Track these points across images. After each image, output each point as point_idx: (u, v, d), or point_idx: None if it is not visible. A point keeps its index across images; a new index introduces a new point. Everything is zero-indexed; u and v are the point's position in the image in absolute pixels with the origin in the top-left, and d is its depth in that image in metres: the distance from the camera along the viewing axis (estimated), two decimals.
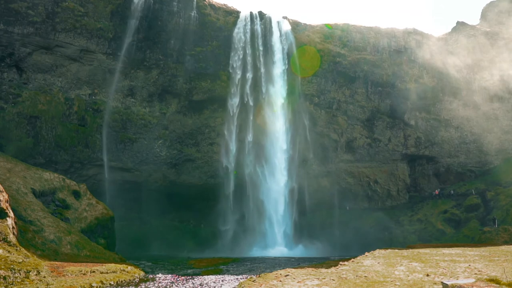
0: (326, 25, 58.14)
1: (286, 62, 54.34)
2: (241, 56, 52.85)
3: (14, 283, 18.17)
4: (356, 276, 18.98)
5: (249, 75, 52.97)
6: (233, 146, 52.53)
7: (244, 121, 53.30)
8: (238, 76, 52.62)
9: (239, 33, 53.11)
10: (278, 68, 53.89)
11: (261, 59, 53.56)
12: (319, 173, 57.27)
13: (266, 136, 53.42)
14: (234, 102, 52.66)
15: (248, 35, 53.25)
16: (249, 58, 53.01)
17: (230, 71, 52.60)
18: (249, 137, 53.03)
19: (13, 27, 43.68)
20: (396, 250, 30.56)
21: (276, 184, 52.58)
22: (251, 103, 53.15)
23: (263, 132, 53.47)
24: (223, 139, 53.18)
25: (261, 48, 53.71)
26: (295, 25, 56.47)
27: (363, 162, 58.77)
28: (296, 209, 53.68)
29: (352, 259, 25.46)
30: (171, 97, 51.90)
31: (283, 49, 54.43)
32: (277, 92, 53.72)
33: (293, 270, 22.34)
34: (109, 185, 48.90)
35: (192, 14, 51.23)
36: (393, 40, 58.49)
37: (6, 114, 43.37)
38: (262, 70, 53.48)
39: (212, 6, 53.27)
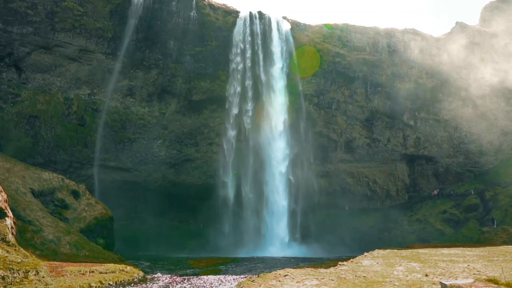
0: (326, 25, 58.13)
1: (286, 62, 54.34)
2: (240, 56, 52.84)
3: (13, 283, 18.16)
4: (355, 276, 18.99)
5: (249, 75, 52.93)
6: (230, 151, 52.57)
7: (244, 122, 53.25)
8: (238, 77, 52.60)
9: (239, 33, 53.08)
10: (278, 68, 53.87)
11: (261, 59, 53.54)
12: (318, 173, 57.28)
13: (266, 136, 53.38)
14: (233, 101, 52.62)
15: (247, 35, 53.21)
16: (248, 58, 52.99)
17: (230, 71, 52.56)
18: (249, 138, 53.07)
19: (12, 27, 43.64)
20: (395, 250, 30.58)
21: (275, 184, 52.53)
22: (250, 102, 53.10)
23: (262, 132, 53.43)
24: (222, 139, 53.16)
25: (260, 48, 53.68)
26: (294, 25, 56.47)
27: (362, 162, 58.80)
28: (295, 209, 53.67)
29: (351, 259, 25.47)
30: (170, 97, 51.87)
31: (282, 49, 54.42)
32: (277, 92, 53.70)
33: (292, 270, 22.34)
34: (108, 184, 48.90)
35: (192, 14, 51.20)
36: (392, 40, 58.53)
37: (5, 114, 43.33)
38: (262, 70, 53.47)
39: (211, 6, 53.24)
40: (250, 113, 53.05)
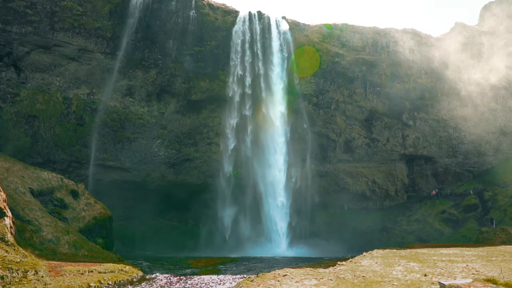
0: (325, 25, 58.08)
1: (285, 62, 54.34)
2: (239, 56, 52.84)
3: (12, 282, 18.15)
4: (354, 276, 19.00)
5: (248, 75, 52.96)
6: (231, 147, 52.55)
7: (243, 122, 53.27)
8: (237, 77, 52.61)
9: (238, 33, 53.09)
10: (277, 68, 53.88)
11: (260, 59, 53.56)
12: (318, 173, 57.32)
13: (265, 136, 53.40)
14: (233, 102, 52.68)
15: (247, 35, 53.23)
16: (247, 58, 53.01)
17: (229, 71, 52.54)
18: (248, 139, 53.14)
19: (11, 26, 43.58)
20: (394, 250, 30.59)
21: (275, 184, 52.56)
22: (249, 102, 53.10)
23: (261, 132, 53.45)
24: (221, 139, 53.20)
25: (259, 48, 53.69)
26: (293, 25, 56.46)
27: (362, 162, 58.84)
28: (294, 209, 53.71)
29: (350, 259, 25.45)
30: (169, 97, 51.86)
31: (281, 49, 54.42)
32: (276, 92, 53.73)
33: (291, 270, 22.34)
34: (108, 184, 49.03)
35: (191, 13, 51.17)
36: (392, 40, 58.53)
37: (4, 113, 43.29)
38: (261, 70, 53.48)
39: (210, 5, 53.21)
40: (249, 144, 52.63)
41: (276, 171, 52.79)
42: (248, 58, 52.93)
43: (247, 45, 53.00)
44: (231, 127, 52.59)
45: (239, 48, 52.77)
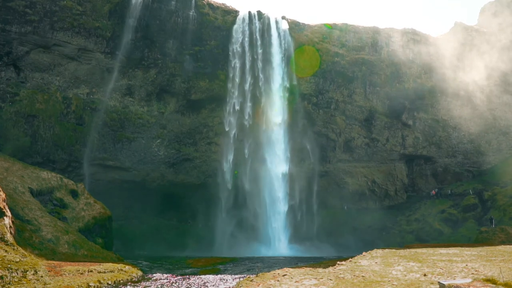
0: (325, 24, 58.02)
1: (285, 62, 54.28)
2: (239, 56, 52.78)
3: (11, 282, 18.13)
4: (354, 276, 19.00)
5: (248, 75, 52.91)
6: (231, 155, 52.54)
7: (243, 121, 53.26)
8: (237, 76, 52.57)
9: (238, 32, 53.03)
10: (277, 68, 53.85)
11: (260, 59, 53.51)
12: (317, 172, 57.33)
13: (265, 136, 53.38)
14: (233, 103, 52.65)
15: (246, 35, 53.17)
16: (247, 58, 52.97)
17: (229, 71, 52.48)
18: (248, 141, 53.15)
19: (11, 26, 43.55)
20: (394, 250, 30.60)
21: (274, 183, 52.56)
22: (249, 103, 53.09)
23: (261, 132, 53.43)
24: (221, 138, 53.20)
25: (259, 48, 53.65)
26: (293, 25, 56.42)
27: (361, 162, 58.83)
28: (294, 209, 53.71)
29: (350, 259, 25.46)
30: (169, 97, 51.83)
31: (281, 48, 54.36)
32: (276, 91, 53.69)
33: (291, 269, 22.34)
34: (107, 184, 49.01)
35: (191, 13, 51.13)
36: (391, 40, 58.51)
37: (3, 113, 43.25)
38: (261, 70, 53.43)
39: (210, 5, 53.16)
40: (248, 145, 52.70)
41: (275, 170, 52.78)
42: (247, 57, 52.76)
43: (247, 45, 52.86)
44: (228, 161, 52.49)
45: (238, 48, 52.65)
